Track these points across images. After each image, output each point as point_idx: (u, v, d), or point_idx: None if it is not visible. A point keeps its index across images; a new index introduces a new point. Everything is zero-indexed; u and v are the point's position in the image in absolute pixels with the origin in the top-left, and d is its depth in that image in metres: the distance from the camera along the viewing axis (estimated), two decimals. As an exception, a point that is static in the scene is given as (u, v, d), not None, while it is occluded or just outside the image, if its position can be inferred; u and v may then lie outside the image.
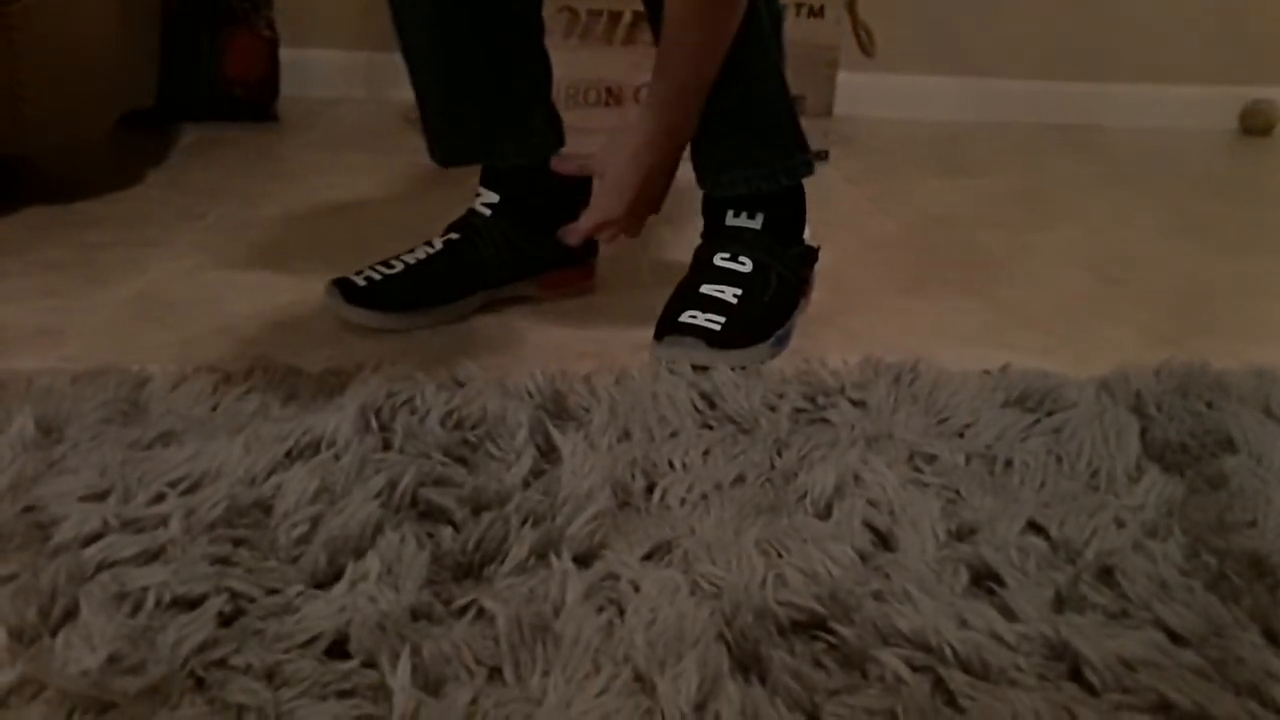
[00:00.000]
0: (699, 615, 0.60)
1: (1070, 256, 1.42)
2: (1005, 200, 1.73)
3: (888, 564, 0.67)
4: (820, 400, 0.90)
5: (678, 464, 0.78)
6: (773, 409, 0.87)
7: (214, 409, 0.83)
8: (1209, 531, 0.71)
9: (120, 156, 1.69)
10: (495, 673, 0.57)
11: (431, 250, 1.11)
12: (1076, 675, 0.58)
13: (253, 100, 2.02)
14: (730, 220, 1.07)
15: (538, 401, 0.86)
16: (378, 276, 1.06)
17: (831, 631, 0.60)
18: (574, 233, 1.05)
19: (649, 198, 1.02)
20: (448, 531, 0.68)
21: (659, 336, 0.99)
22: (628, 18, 1.76)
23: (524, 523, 0.69)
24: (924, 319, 1.16)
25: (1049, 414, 0.88)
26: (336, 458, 0.75)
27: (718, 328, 0.98)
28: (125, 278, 1.17)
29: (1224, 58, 2.46)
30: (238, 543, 0.65)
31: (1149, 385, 0.93)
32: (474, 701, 0.54)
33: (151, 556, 0.63)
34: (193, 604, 0.59)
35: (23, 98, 1.30)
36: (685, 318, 0.99)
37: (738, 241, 1.06)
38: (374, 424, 0.80)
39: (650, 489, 0.75)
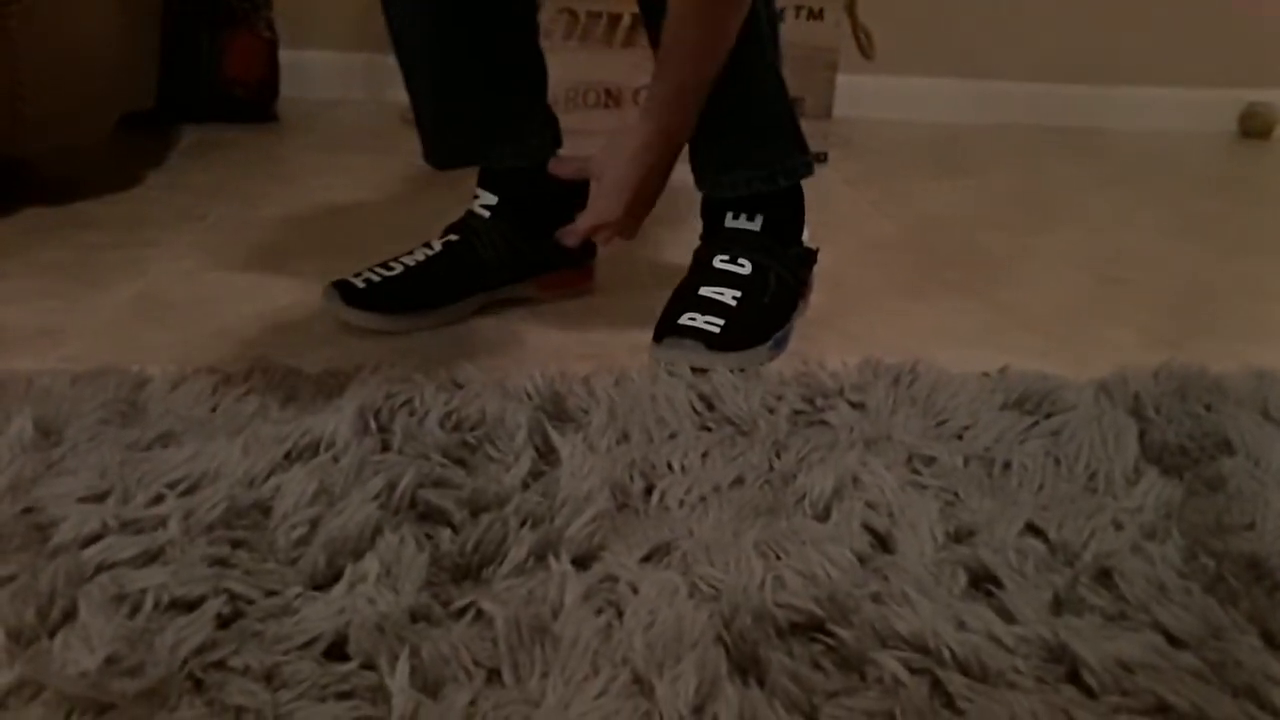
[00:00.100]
0: (697, 617, 0.60)
1: (1070, 258, 1.42)
2: (1004, 202, 1.73)
3: (886, 566, 0.67)
4: (819, 402, 0.90)
5: (676, 466, 0.78)
6: (771, 411, 0.87)
7: (213, 410, 0.83)
8: (1207, 534, 0.71)
9: (120, 157, 1.69)
10: (494, 674, 0.57)
11: (430, 252, 1.11)
12: (1075, 677, 0.58)
13: (252, 101, 2.02)
14: (729, 222, 1.07)
15: (537, 403, 0.86)
16: (377, 278, 1.06)
17: (830, 633, 0.60)
18: (572, 234, 1.05)
19: (646, 198, 1.02)
20: (446, 533, 0.68)
21: (658, 338, 0.99)
22: (627, 20, 1.76)
23: (523, 524, 0.69)
24: (923, 321, 1.16)
25: (1048, 416, 0.88)
26: (335, 459, 0.75)
27: (717, 330, 0.98)
28: (125, 279, 1.17)
29: (1222, 60, 2.46)
30: (236, 544, 0.65)
31: (1148, 388, 0.93)
32: (473, 703, 0.54)
33: (150, 558, 0.63)
34: (191, 605, 0.59)
35: (22, 98, 1.30)
36: (684, 320, 0.99)
37: (737, 243, 1.06)
38: (373, 425, 0.80)
39: (649, 491, 0.75)
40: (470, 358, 0.99)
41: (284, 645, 0.57)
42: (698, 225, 1.11)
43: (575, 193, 1.09)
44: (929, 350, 1.03)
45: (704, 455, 0.80)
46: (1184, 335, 1.15)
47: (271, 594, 0.61)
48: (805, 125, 1.08)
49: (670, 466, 0.78)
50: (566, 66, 1.72)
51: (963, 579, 0.66)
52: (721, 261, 1.05)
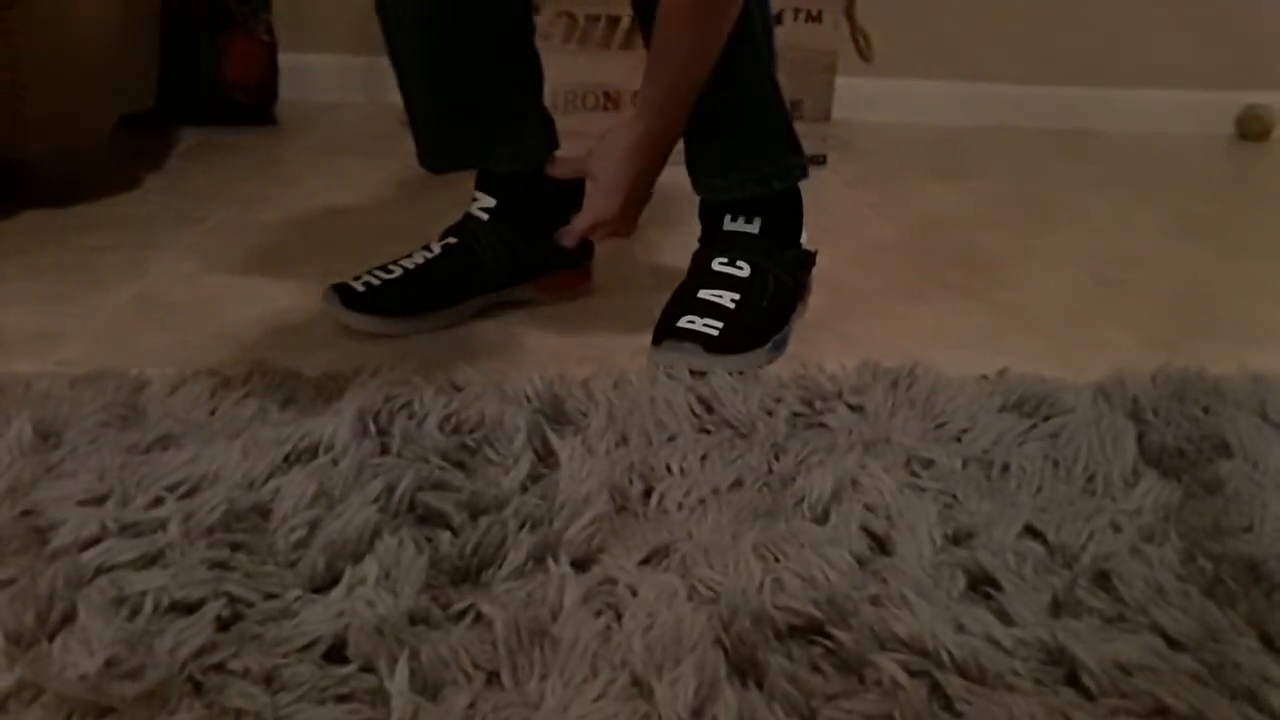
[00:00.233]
0: (696, 620, 0.60)
1: (1068, 260, 1.43)
2: (1003, 204, 1.73)
3: (885, 568, 0.67)
4: (818, 405, 0.90)
5: (675, 468, 0.79)
6: (770, 413, 0.87)
7: (212, 413, 0.83)
8: (1205, 536, 0.71)
9: (119, 160, 1.69)
10: (493, 677, 0.57)
11: (429, 255, 1.11)
12: (1073, 680, 0.58)
13: (252, 104, 2.02)
14: (728, 225, 1.07)
15: (536, 406, 0.86)
16: (376, 281, 1.06)
17: (829, 636, 0.60)
18: (569, 234, 1.05)
19: (640, 196, 1.03)
20: (446, 536, 0.68)
21: (657, 341, 1.00)
22: (625, 22, 1.76)
23: (522, 527, 0.69)
24: (922, 323, 1.16)
25: (1046, 419, 0.88)
26: (334, 462, 0.75)
27: (715, 333, 0.98)
28: (124, 281, 1.17)
29: (1220, 63, 2.47)
30: (236, 547, 0.65)
31: (1146, 390, 0.93)
32: (472, 705, 0.54)
33: (149, 561, 0.63)
34: (191, 608, 0.59)
35: (22, 100, 1.30)
36: (683, 323, 0.99)
37: (736, 246, 1.06)
38: (372, 428, 0.80)
39: (648, 493, 0.75)
40: (469, 361, 0.99)
41: (283, 648, 0.57)
42: (696, 228, 1.11)
43: (573, 194, 1.09)
44: (928, 352, 1.03)
45: (703, 458, 0.80)
46: (1183, 336, 1.16)
47: (271, 597, 0.61)
48: (803, 128, 1.08)
49: (669, 469, 0.78)
50: (565, 69, 1.72)
51: (961, 581, 0.66)
52: (720, 264, 1.05)
